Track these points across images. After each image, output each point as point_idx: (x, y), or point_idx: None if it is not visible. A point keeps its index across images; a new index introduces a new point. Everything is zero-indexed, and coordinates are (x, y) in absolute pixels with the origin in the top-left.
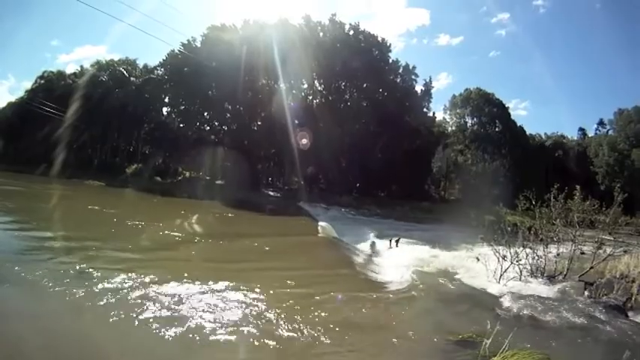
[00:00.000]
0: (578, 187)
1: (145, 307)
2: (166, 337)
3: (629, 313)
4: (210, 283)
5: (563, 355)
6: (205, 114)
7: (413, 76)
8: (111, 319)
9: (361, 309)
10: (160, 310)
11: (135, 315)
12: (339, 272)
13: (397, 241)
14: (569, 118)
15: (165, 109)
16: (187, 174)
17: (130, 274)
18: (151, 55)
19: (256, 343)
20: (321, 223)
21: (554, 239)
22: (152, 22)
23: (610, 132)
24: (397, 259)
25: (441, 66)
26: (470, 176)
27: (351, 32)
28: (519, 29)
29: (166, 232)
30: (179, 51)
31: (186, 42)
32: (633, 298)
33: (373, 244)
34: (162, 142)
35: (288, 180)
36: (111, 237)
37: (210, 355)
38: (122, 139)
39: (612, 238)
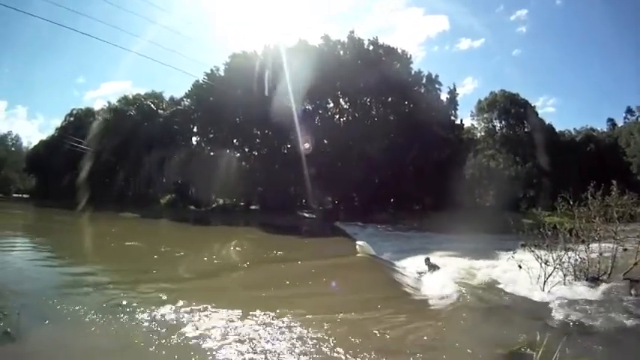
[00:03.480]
0: (614, 182)
1: (190, 338)
2: None
3: None
4: (254, 311)
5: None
6: (235, 141)
7: (437, 85)
8: (157, 351)
9: (409, 330)
10: (204, 340)
11: (181, 345)
12: (383, 294)
13: (428, 260)
14: (597, 110)
15: (194, 139)
16: (221, 201)
17: (172, 306)
18: (175, 87)
19: None
20: (358, 242)
21: (596, 238)
22: (174, 54)
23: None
24: (440, 275)
25: (466, 70)
26: (503, 181)
27: (371, 47)
28: (539, 24)
29: (205, 259)
30: (203, 81)
31: (209, 72)
32: None
33: (427, 260)
34: (193, 172)
35: (322, 200)
36: (150, 268)
37: None
38: (154, 171)
39: None
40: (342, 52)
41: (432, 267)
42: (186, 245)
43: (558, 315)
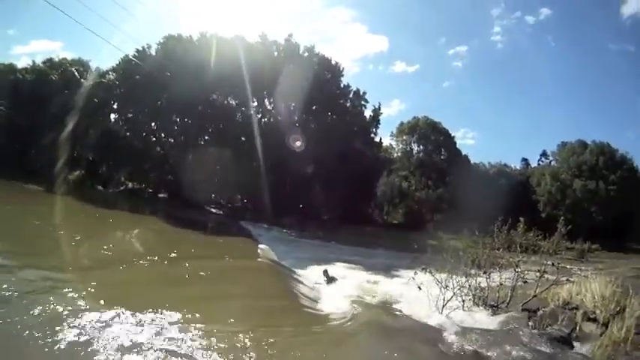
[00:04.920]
0: (522, 219)
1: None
2: None
3: (575, 344)
4: (136, 312)
5: None
6: (153, 124)
7: (363, 102)
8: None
9: (300, 346)
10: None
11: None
12: (278, 302)
13: (326, 272)
14: (514, 149)
15: (113, 116)
16: (130, 185)
17: (52, 298)
18: (105, 58)
19: None
20: (260, 246)
21: (497, 267)
22: (108, 25)
23: (553, 163)
24: (338, 288)
25: (395, 93)
26: (413, 202)
27: (306, 54)
28: (475, 62)
29: (100, 249)
30: (133, 57)
31: (140, 49)
32: (578, 328)
33: (326, 272)
34: (106, 150)
35: (231, 198)
36: (42, 251)
37: None
38: (67, 144)
39: (553, 264)
40: (276, 54)
41: (330, 279)
42: (86, 229)
43: (455, 343)
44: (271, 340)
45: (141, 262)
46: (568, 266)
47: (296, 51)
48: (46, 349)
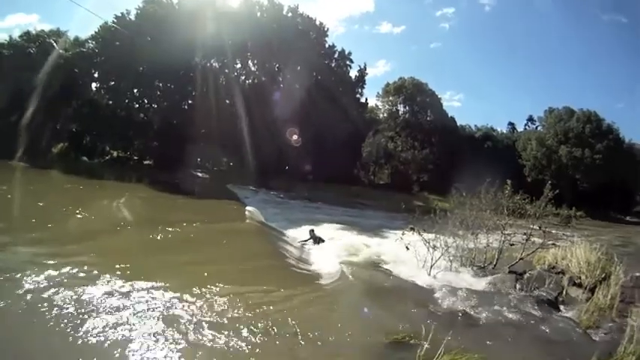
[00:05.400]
0: (509, 181)
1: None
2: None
3: (561, 308)
4: (122, 280)
5: (501, 355)
6: (135, 91)
7: (348, 62)
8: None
9: (291, 307)
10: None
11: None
12: (267, 263)
13: (312, 232)
14: (500, 113)
15: (94, 85)
16: (115, 154)
17: (42, 269)
18: (84, 28)
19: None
20: (248, 208)
21: (484, 229)
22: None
23: (539, 128)
24: (324, 248)
25: (381, 53)
26: (399, 162)
27: (290, 14)
28: (462, 24)
29: (88, 218)
30: (112, 24)
31: (119, 14)
32: (564, 292)
33: (312, 232)
34: (89, 120)
35: (217, 161)
36: (27, 225)
37: None
38: (49, 117)
39: (540, 227)
40: (259, 14)
41: (317, 239)
42: (74, 200)
43: (444, 303)
44: (261, 301)
45: (129, 229)
46: (553, 231)
47: (280, 11)
48: (38, 320)
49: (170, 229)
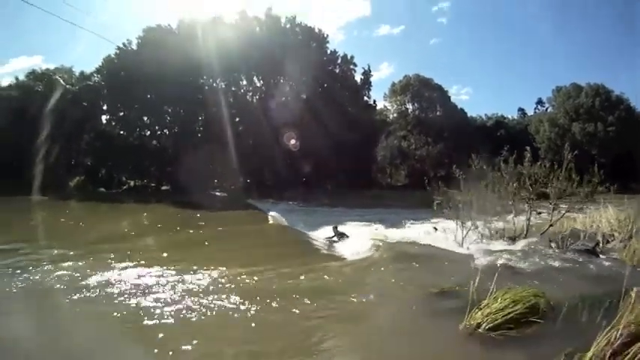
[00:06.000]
0: (528, 148)
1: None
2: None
3: (600, 256)
4: (162, 266)
5: (554, 291)
6: (145, 119)
7: (352, 66)
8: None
9: (331, 276)
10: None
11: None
12: (295, 249)
13: (336, 228)
14: (509, 101)
15: (104, 117)
16: (132, 183)
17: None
18: (88, 63)
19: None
20: (271, 213)
21: (510, 203)
22: (85, 32)
23: (549, 109)
24: (351, 240)
25: (383, 56)
26: (415, 160)
27: (288, 26)
28: (459, 16)
29: (123, 225)
30: (115, 55)
31: (122, 45)
32: (601, 244)
33: (335, 228)
34: (103, 152)
35: (234, 180)
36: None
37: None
38: (63, 152)
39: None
40: (258, 29)
41: (340, 235)
42: (99, 220)
43: (484, 261)
44: (306, 273)
45: (156, 234)
46: (576, 206)
47: (278, 24)
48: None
49: (196, 231)
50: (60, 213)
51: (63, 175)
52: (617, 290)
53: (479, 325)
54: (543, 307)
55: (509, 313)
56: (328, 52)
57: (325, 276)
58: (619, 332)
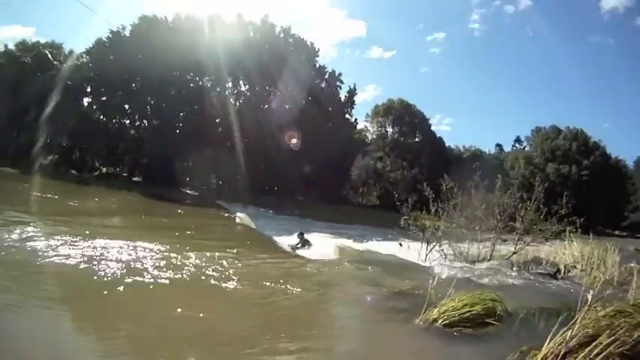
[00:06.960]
0: (499, 176)
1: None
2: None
3: (560, 282)
4: (126, 241)
5: (514, 299)
6: (127, 107)
7: (338, 82)
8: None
9: (292, 269)
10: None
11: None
12: (263, 247)
13: (301, 235)
14: (488, 136)
15: (86, 100)
16: (104, 170)
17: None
18: (79, 42)
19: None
20: (238, 214)
21: (476, 229)
22: (81, 9)
23: (526, 148)
24: (315, 248)
25: (371, 77)
26: (388, 182)
27: (282, 35)
28: (453, 49)
29: (92, 205)
30: (107, 39)
31: (114, 30)
32: (563, 272)
33: (301, 234)
34: (80, 135)
35: (207, 180)
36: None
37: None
38: (40, 129)
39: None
40: (251, 34)
41: (305, 242)
42: (67, 195)
43: (443, 274)
44: (268, 266)
45: (123, 215)
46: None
47: (272, 31)
48: (54, 268)
49: (160, 219)
50: (25, 186)
51: (37, 151)
52: (575, 304)
53: (435, 321)
54: (500, 311)
55: (465, 313)
56: (317, 65)
57: (286, 267)
58: (574, 331)
